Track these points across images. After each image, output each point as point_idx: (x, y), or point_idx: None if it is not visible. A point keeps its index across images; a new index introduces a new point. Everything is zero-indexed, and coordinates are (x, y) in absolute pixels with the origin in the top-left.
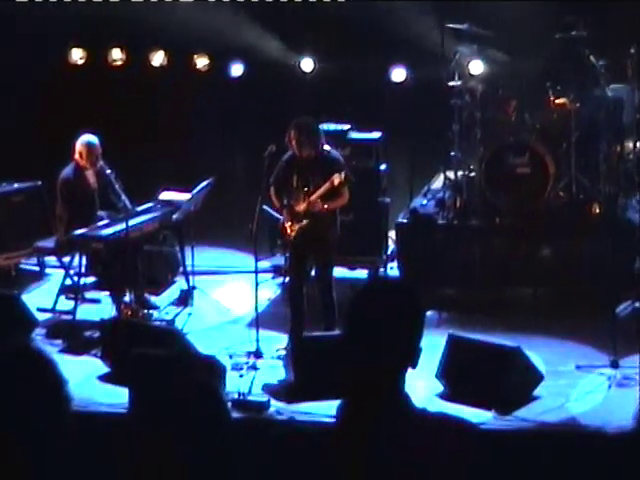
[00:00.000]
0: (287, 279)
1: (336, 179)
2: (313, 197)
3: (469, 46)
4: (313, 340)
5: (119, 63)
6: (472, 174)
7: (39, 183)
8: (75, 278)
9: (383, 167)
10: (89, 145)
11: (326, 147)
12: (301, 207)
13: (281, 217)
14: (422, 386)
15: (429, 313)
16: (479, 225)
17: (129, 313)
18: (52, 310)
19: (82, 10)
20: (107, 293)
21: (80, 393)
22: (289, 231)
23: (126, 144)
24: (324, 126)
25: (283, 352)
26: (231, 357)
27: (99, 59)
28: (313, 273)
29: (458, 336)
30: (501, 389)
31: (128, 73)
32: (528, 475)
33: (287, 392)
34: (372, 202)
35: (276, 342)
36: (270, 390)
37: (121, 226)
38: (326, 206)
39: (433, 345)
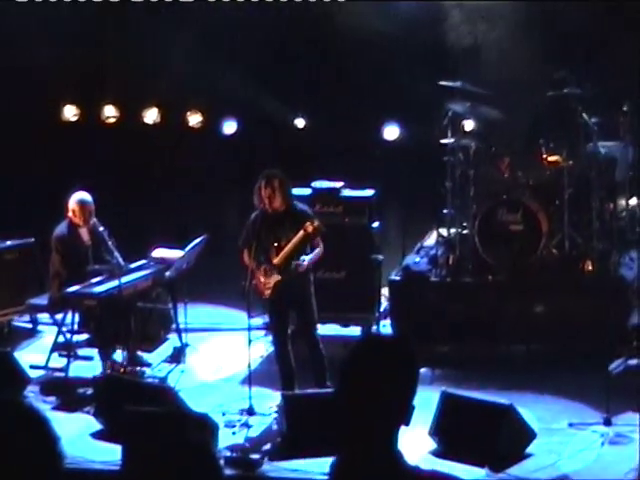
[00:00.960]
0: (272, 339)
1: (309, 226)
2: (287, 249)
3: (462, 103)
4: (304, 397)
5: (112, 120)
6: (465, 231)
7: (32, 240)
8: (68, 335)
9: (376, 224)
10: (82, 203)
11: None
12: (275, 260)
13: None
14: (415, 443)
15: (423, 370)
16: (472, 282)
17: (121, 370)
18: (45, 367)
19: (76, 67)
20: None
21: (73, 450)
22: (264, 288)
23: (119, 201)
24: (317, 184)
25: (276, 409)
26: (224, 414)
27: (92, 116)
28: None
29: (451, 393)
30: (494, 446)
31: (121, 130)
32: None
33: (280, 449)
34: (365, 259)
35: (269, 399)
36: (263, 448)
37: (114, 283)
38: (306, 262)
39: (426, 402)
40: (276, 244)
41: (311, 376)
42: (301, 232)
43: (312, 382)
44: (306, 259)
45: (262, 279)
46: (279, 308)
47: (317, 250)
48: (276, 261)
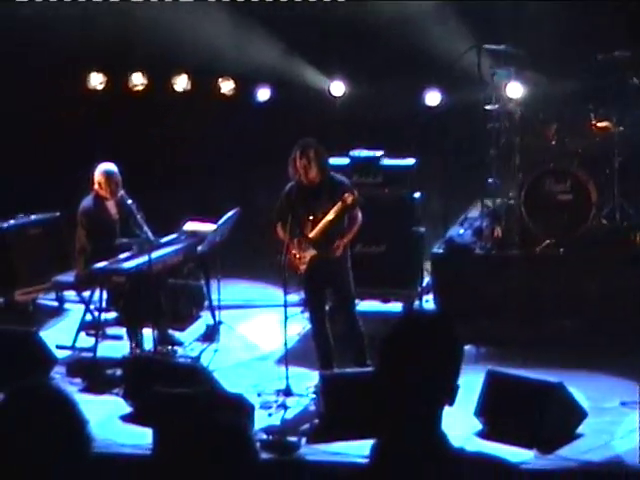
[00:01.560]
0: (309, 316)
1: (347, 198)
2: (323, 222)
3: (507, 68)
4: (343, 377)
5: (140, 88)
6: (511, 202)
7: (57, 214)
8: (96, 314)
9: (417, 195)
10: (108, 174)
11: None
12: (311, 234)
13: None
14: (460, 424)
15: (467, 348)
16: (518, 255)
17: (151, 350)
18: (72, 347)
19: (101, 33)
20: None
21: (102, 434)
22: (299, 263)
23: (148, 173)
24: (355, 153)
25: (313, 390)
26: (259, 395)
27: (119, 84)
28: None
29: (497, 372)
30: (542, 427)
31: (149, 99)
32: None
33: (318, 432)
34: (406, 232)
35: (307, 379)
36: (300, 430)
37: (143, 259)
38: (345, 240)
39: (471, 381)
40: (312, 217)
41: (350, 355)
42: (338, 204)
43: (351, 361)
44: (343, 240)
45: (297, 253)
46: (315, 284)
47: (353, 224)
48: (312, 235)
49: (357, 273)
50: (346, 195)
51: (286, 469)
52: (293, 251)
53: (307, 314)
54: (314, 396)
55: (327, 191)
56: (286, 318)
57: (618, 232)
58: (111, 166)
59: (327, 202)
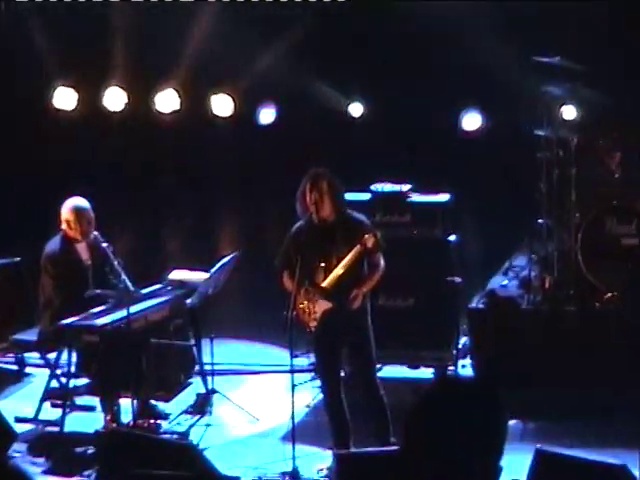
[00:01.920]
0: (321, 385)
1: (368, 240)
2: (338, 269)
3: (560, 85)
4: (362, 458)
5: (117, 108)
6: (565, 247)
7: (17, 260)
8: (63, 380)
9: (452, 238)
10: (78, 211)
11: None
12: (324, 283)
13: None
14: None
15: (511, 422)
16: (574, 311)
17: (130, 424)
18: (34, 420)
19: (70, 39)
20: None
21: None
22: (309, 318)
23: (126, 210)
24: (378, 186)
25: (326, 473)
26: (261, 479)
27: (92, 102)
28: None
29: (548, 451)
30: None
31: (127, 120)
32: None
33: None
34: (439, 282)
35: (318, 460)
36: None
37: (121, 313)
38: (364, 289)
39: (516, 462)
40: (324, 263)
41: (370, 430)
42: (357, 248)
43: (371, 438)
44: (362, 289)
45: (306, 307)
46: (329, 345)
47: (374, 273)
48: (324, 284)
49: (379, 332)
50: (366, 237)
51: None
52: (301, 304)
53: (318, 381)
54: None
55: (343, 232)
56: (293, 386)
57: None
58: (82, 201)
59: (343, 245)
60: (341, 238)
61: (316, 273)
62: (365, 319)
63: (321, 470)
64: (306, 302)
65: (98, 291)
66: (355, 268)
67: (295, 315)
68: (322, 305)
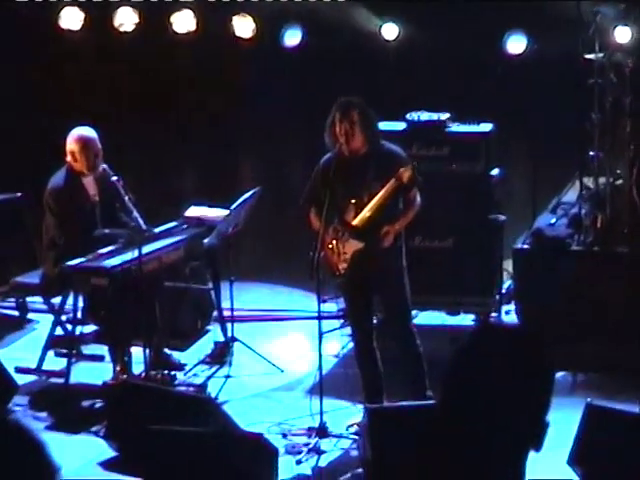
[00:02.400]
0: (351, 334)
1: (404, 174)
2: (371, 206)
3: (614, 5)
4: (396, 412)
5: (128, 27)
6: (619, 182)
7: (17, 195)
8: (68, 326)
9: (495, 172)
10: (84, 141)
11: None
12: (354, 221)
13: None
14: (550, 475)
15: (559, 375)
16: (629, 253)
17: (142, 375)
18: (37, 370)
19: None
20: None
21: None
22: (338, 260)
23: (138, 140)
24: (414, 115)
25: (356, 429)
26: (285, 436)
27: (101, 22)
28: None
29: (600, 406)
30: None
31: (140, 42)
32: None
33: None
34: (481, 221)
35: (347, 415)
36: None
37: (132, 254)
38: (397, 226)
39: (565, 419)
40: (355, 200)
41: (405, 383)
42: (391, 182)
43: (406, 391)
44: (394, 227)
45: (335, 247)
46: (359, 289)
47: (409, 209)
48: (355, 222)
49: (415, 275)
50: (401, 170)
51: None
52: (330, 244)
53: (348, 329)
54: (357, 437)
55: (376, 165)
56: (321, 334)
57: None
58: (88, 131)
59: (375, 179)
60: (374, 172)
61: (346, 210)
62: (399, 261)
63: (351, 426)
64: (335, 242)
65: (107, 230)
66: (389, 205)
67: (323, 256)
68: (352, 245)
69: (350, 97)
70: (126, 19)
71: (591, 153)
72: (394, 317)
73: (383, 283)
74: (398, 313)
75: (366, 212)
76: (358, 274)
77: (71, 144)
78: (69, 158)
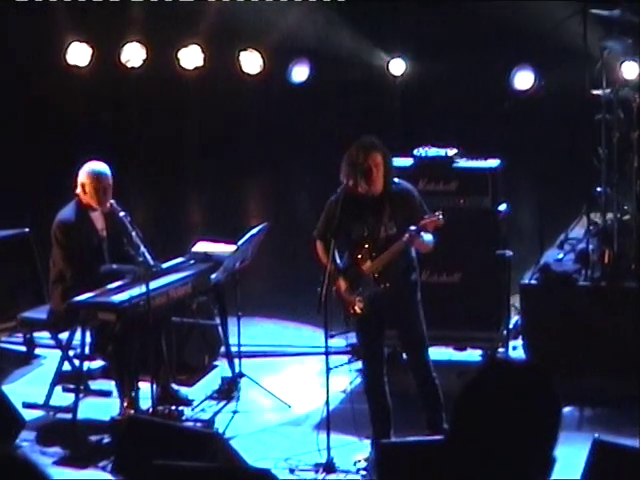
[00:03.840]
0: (362, 367)
1: (431, 224)
2: (389, 253)
3: (621, 40)
4: (405, 447)
5: (136, 63)
6: (626, 217)
7: (26, 230)
8: (76, 362)
9: (503, 208)
10: (96, 176)
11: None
12: (367, 266)
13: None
14: None
15: (567, 409)
16: (636, 288)
17: (149, 410)
18: (45, 406)
19: None
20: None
21: None
22: (353, 302)
23: (147, 176)
24: (420, 151)
25: (365, 464)
26: (292, 472)
27: (109, 58)
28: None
29: (607, 442)
30: None
31: (148, 77)
32: None
33: None
34: (488, 256)
35: (355, 451)
36: None
37: (140, 290)
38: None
39: (572, 453)
40: (370, 239)
41: (413, 417)
42: (428, 220)
43: (422, 423)
44: (426, 239)
45: (350, 289)
46: (373, 324)
47: (431, 238)
48: (374, 266)
49: (423, 310)
50: (428, 221)
51: None
52: (345, 284)
53: (356, 364)
54: (365, 473)
55: (391, 205)
56: (328, 370)
57: None
58: (100, 166)
59: (391, 220)
60: (389, 212)
61: (361, 249)
62: (416, 295)
63: (359, 461)
64: (350, 283)
65: (114, 266)
66: (408, 249)
67: (336, 293)
68: (371, 288)
69: (372, 138)
70: (133, 55)
71: (598, 189)
72: (412, 350)
73: (401, 317)
74: (416, 346)
75: (385, 255)
76: (375, 309)
77: (83, 177)
78: (79, 190)
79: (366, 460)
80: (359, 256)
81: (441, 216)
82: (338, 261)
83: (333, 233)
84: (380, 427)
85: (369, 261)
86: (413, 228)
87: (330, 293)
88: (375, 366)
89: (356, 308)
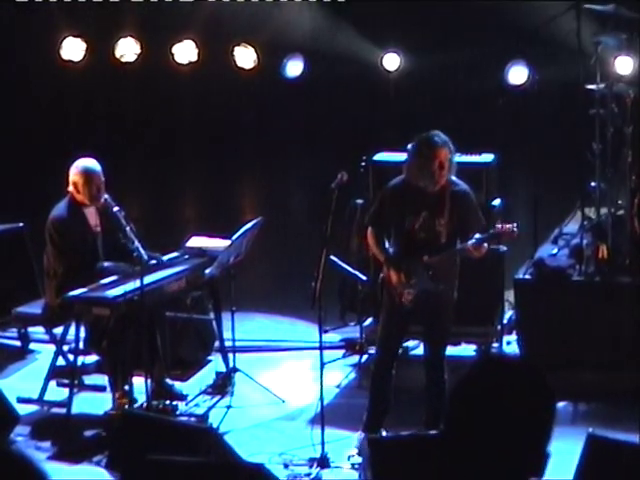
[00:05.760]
0: (375, 353)
1: (506, 236)
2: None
3: (615, 35)
4: (398, 442)
5: (130, 58)
6: (620, 212)
7: (20, 226)
8: (70, 357)
9: (496, 202)
10: (87, 172)
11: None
12: (426, 261)
13: (359, 273)
14: None
15: (561, 404)
16: (630, 283)
17: (143, 405)
18: (39, 401)
19: None
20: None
21: None
22: (402, 292)
23: (140, 171)
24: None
25: (357, 459)
26: (286, 467)
27: (103, 53)
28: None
29: (601, 437)
30: None
31: (142, 72)
32: None
33: None
34: None
35: (348, 446)
36: None
37: (134, 285)
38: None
39: (566, 449)
40: (429, 235)
41: (410, 415)
42: (501, 230)
43: (409, 423)
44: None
45: (405, 279)
46: (403, 318)
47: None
48: (426, 261)
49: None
50: (503, 231)
51: None
52: (394, 276)
53: (350, 359)
54: (359, 467)
55: (451, 205)
56: (322, 364)
57: None
58: (92, 162)
59: (447, 215)
60: (450, 213)
61: (416, 241)
62: (453, 296)
63: (352, 456)
64: (405, 274)
65: (106, 264)
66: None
67: (386, 280)
68: (425, 283)
69: (441, 135)
70: (128, 50)
71: (592, 184)
72: (434, 347)
73: (435, 316)
74: (439, 345)
75: (446, 255)
76: (414, 308)
77: (74, 175)
78: (71, 189)
79: (358, 454)
80: (416, 249)
81: (516, 228)
82: (389, 250)
83: (383, 221)
84: (374, 418)
85: (427, 256)
86: (480, 236)
87: (329, 285)
88: (387, 358)
89: (405, 299)
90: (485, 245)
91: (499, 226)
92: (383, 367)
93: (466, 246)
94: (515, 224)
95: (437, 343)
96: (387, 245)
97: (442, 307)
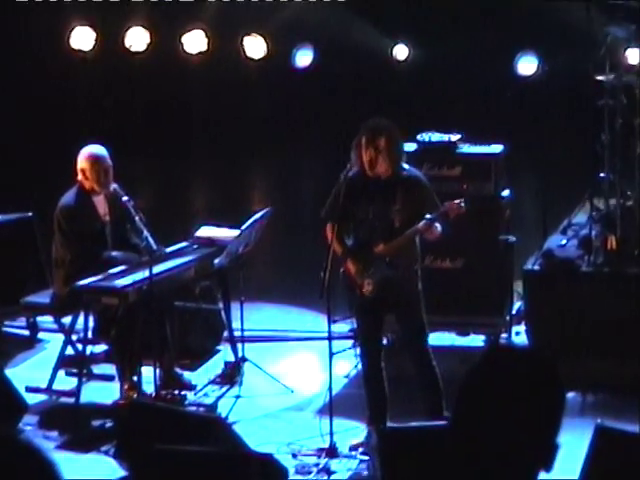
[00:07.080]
0: (360, 351)
1: (453, 211)
2: (406, 236)
3: (625, 26)
4: (407, 433)
5: (140, 48)
6: (629, 203)
7: (29, 215)
8: (79, 346)
9: (506, 193)
10: (96, 159)
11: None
12: (381, 249)
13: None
14: None
15: (569, 395)
16: (639, 274)
17: (152, 395)
18: (47, 390)
19: None
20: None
21: None
22: (362, 283)
23: (150, 160)
24: (424, 136)
25: (361, 450)
26: (295, 456)
27: (112, 43)
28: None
29: (610, 428)
30: None
31: (151, 62)
32: None
33: None
34: (491, 242)
35: (357, 436)
36: None
37: (143, 274)
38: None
39: (575, 440)
40: (381, 223)
41: (423, 402)
42: (450, 208)
43: (422, 411)
44: (438, 227)
45: (362, 270)
46: (373, 310)
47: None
48: (381, 250)
49: (425, 295)
50: (449, 208)
51: None
52: (352, 268)
53: (358, 349)
54: (367, 457)
55: (402, 191)
56: (331, 354)
57: None
58: (99, 149)
59: (404, 206)
60: (401, 198)
61: (373, 233)
62: (418, 284)
63: (354, 446)
64: (363, 264)
65: (114, 253)
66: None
67: (345, 272)
68: (382, 271)
69: (379, 121)
70: (137, 39)
71: (601, 174)
72: (412, 339)
73: (402, 306)
74: (416, 335)
75: (399, 240)
76: (379, 297)
77: (82, 162)
78: (80, 176)
79: (363, 445)
80: (371, 238)
81: (463, 204)
82: (347, 242)
83: (339, 215)
84: (376, 412)
85: (382, 244)
86: (430, 216)
87: (338, 275)
88: (373, 351)
89: (366, 289)
90: (438, 226)
91: (446, 204)
92: (370, 363)
93: (417, 228)
94: (462, 199)
95: (413, 331)
96: (347, 238)
97: (408, 294)
